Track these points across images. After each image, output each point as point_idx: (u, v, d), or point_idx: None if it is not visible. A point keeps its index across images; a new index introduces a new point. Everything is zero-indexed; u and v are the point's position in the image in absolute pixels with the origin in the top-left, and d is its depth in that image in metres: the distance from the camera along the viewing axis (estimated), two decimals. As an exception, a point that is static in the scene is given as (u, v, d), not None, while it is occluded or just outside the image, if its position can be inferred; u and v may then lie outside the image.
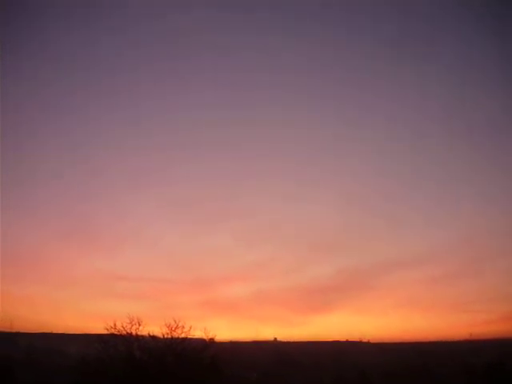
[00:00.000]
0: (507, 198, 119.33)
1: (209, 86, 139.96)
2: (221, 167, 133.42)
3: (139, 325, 30.33)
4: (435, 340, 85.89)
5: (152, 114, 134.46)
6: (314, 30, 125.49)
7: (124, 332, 30.13)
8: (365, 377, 43.81)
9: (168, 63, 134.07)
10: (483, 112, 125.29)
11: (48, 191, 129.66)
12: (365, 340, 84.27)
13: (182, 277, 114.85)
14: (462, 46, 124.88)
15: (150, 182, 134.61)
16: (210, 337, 32.18)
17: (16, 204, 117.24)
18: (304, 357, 61.14)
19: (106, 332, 30.09)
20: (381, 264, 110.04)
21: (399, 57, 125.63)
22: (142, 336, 30.79)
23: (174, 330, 30.78)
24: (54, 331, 74.75)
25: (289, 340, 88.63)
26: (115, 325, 30.00)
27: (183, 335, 30.89)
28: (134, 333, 30.33)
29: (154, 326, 31.76)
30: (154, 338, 31.17)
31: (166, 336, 30.75)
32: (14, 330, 69.46)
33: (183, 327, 30.86)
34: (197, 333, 31.72)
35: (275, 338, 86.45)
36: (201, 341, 32.25)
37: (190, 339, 31.32)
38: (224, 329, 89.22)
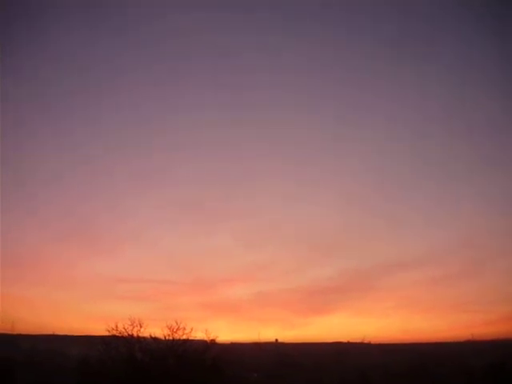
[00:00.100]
0: (508, 198, 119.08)
1: (208, 87, 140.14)
2: (221, 168, 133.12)
3: (140, 326, 30.49)
4: (436, 341, 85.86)
5: (152, 115, 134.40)
6: (313, 30, 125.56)
7: (125, 334, 30.24)
8: (366, 378, 43.81)
9: (168, 64, 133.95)
10: (483, 112, 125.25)
11: (48, 192, 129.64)
12: (366, 341, 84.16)
13: (182, 278, 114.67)
14: (462, 45, 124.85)
15: (151, 182, 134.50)
16: (211, 338, 32.36)
17: (17, 205, 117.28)
18: (305, 358, 61.07)
19: (107, 334, 30.25)
20: (381, 265, 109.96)
21: (399, 57, 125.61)
22: (144, 337, 30.89)
23: (176, 332, 30.93)
24: (56, 333, 74.92)
25: (290, 341, 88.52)
26: (117, 326, 30.16)
27: (184, 337, 31.03)
28: (135, 334, 30.45)
29: (155, 328, 31.94)
30: (155, 339, 31.28)
31: (167, 337, 30.88)
32: (15, 332, 69.67)
33: (184, 329, 31.05)
34: (198, 334, 31.90)
35: (276, 340, 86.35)
36: (202, 342, 32.35)
37: (192, 341, 31.42)
38: (225, 330, 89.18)
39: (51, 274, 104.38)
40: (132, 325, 30.28)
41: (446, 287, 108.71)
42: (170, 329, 30.92)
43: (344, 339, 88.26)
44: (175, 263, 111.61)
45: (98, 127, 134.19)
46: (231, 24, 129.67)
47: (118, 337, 30.17)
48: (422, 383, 42.37)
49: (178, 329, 30.92)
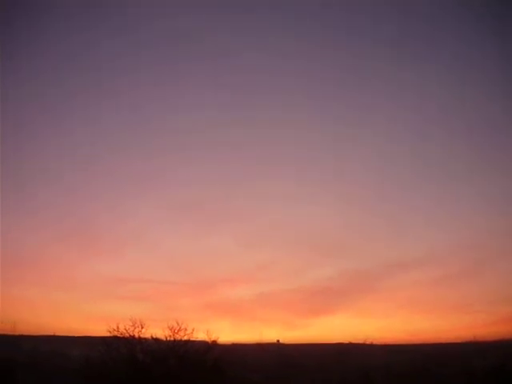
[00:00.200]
0: (509, 198, 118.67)
1: (208, 88, 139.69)
2: (221, 169, 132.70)
3: (142, 327, 30.40)
4: (438, 341, 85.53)
5: (153, 116, 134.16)
6: (313, 30, 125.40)
7: (127, 334, 30.16)
8: (368, 379, 43.66)
9: (169, 64, 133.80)
10: (483, 112, 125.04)
11: (49, 193, 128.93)
12: (368, 342, 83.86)
13: (183, 279, 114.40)
14: (462, 45, 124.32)
15: (151, 183, 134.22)
16: (212, 339, 32.26)
17: (17, 206, 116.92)
18: (307, 359, 60.87)
19: (108, 334, 30.14)
20: (382, 265, 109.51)
21: (399, 57, 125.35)
22: (145, 338, 30.81)
23: (177, 333, 30.83)
24: (57, 334, 74.84)
25: (291, 342, 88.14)
26: (118, 327, 30.08)
27: (186, 337, 30.91)
28: (136, 335, 30.37)
29: (156, 329, 31.81)
30: (156, 340, 31.20)
31: (168, 338, 30.78)
32: (16, 333, 69.58)
33: (186, 329, 30.93)
34: (199, 335, 31.77)
35: (278, 340, 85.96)
36: (203, 343, 32.26)
37: (193, 341, 31.29)
38: (227, 331, 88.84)
39: (52, 274, 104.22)
40: (133, 325, 30.21)
41: (447, 288, 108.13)
42: (171, 329, 30.84)
43: (346, 340, 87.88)
44: (176, 264, 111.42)
45: (98, 128, 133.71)
46: (231, 24, 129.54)
47: (119, 337, 30.08)
48: (425, 384, 42.23)
49: (179, 329, 30.83)
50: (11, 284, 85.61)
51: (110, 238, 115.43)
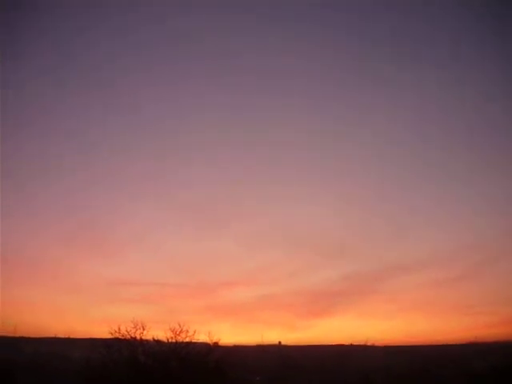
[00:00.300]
0: (509, 199, 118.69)
1: (210, 89, 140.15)
2: (223, 171, 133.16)
3: (143, 329, 30.41)
4: (439, 343, 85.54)
5: (154, 118, 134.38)
6: (313, 30, 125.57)
7: (128, 336, 30.17)
8: (369, 380, 43.69)
9: (168, 64, 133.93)
10: (483, 113, 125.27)
11: (50, 194, 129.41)
12: (369, 343, 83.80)
13: (185, 281, 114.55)
14: (462, 46, 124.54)
15: (153, 186, 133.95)
16: (214, 341, 32.25)
17: (19, 208, 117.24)
18: (308, 360, 60.92)
19: (110, 336, 30.14)
20: (384, 268, 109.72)
21: (399, 57, 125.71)
22: (147, 340, 30.82)
23: (179, 334, 30.83)
24: (58, 336, 74.85)
25: (293, 344, 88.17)
26: (119, 329, 30.08)
27: (187, 339, 30.93)
28: (138, 337, 30.38)
29: (158, 331, 31.82)
30: (158, 342, 31.20)
31: (170, 340, 30.78)
32: (17, 335, 69.62)
33: (187, 331, 30.94)
34: (201, 337, 31.80)
35: (279, 342, 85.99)
36: (205, 345, 32.28)
37: (195, 343, 31.33)
38: (228, 333, 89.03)
39: (53, 276, 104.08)
40: (135, 327, 30.22)
41: (448, 289, 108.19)
42: (172, 331, 30.85)
43: (347, 342, 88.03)
44: (178, 266, 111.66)
45: (100, 130, 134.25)
46: (231, 25, 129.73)
47: (120, 339, 30.09)
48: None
49: (180, 331, 30.84)
50: (12, 286, 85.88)
51: (112, 240, 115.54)
